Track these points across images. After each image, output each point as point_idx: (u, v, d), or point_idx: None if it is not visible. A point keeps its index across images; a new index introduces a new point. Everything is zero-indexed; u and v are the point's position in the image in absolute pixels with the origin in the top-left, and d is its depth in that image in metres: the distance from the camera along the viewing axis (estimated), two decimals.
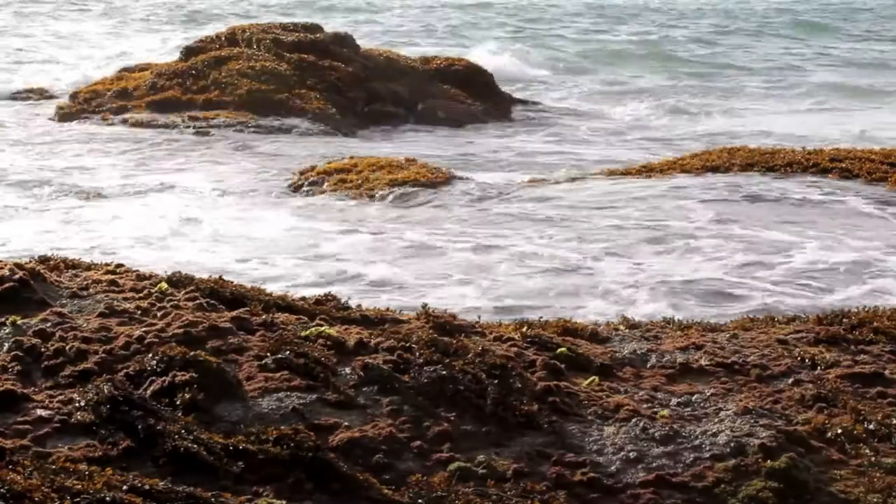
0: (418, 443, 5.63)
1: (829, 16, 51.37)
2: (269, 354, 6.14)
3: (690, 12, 52.65)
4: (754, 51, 39.82)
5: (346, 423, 5.67)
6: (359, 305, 7.26)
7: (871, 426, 6.09)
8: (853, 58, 38.74)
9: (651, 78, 32.77)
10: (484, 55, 31.22)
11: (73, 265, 7.37)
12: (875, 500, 5.47)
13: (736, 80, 32.91)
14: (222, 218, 14.22)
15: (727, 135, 22.92)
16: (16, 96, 25.73)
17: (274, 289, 7.94)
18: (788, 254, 12.18)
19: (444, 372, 6.06)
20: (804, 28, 46.63)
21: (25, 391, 5.71)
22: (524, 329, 7.16)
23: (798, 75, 34.13)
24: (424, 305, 7.26)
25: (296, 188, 16.07)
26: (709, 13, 52.33)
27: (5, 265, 6.88)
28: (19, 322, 6.36)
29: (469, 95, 23.92)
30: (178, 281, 7.06)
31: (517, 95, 26.33)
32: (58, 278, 7.01)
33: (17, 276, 6.72)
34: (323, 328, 6.58)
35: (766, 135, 23.05)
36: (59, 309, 6.57)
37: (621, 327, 7.59)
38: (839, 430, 6.01)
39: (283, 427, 5.47)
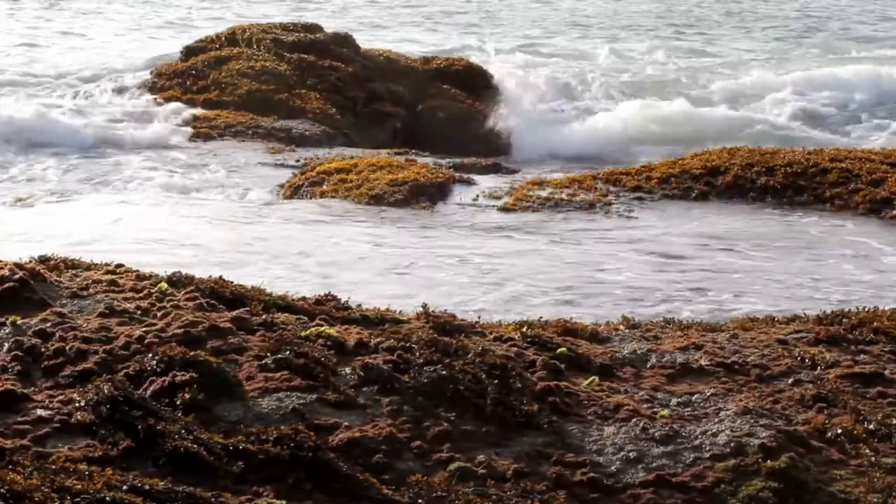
0: (418, 443, 5.63)
1: None
2: (269, 354, 6.14)
3: None
4: None
5: (346, 423, 5.67)
6: (359, 305, 7.26)
7: (871, 426, 6.09)
8: None
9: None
10: None
11: (73, 265, 7.37)
12: (875, 500, 5.47)
13: None
14: (219, 219, 14.19)
15: None
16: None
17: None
18: None
19: (444, 372, 6.06)
20: None
21: (25, 391, 5.71)
22: (524, 329, 7.16)
23: None
24: (424, 305, 7.25)
25: (295, 189, 16.04)
26: None
27: (5, 265, 6.88)
28: (19, 322, 6.36)
29: (469, 96, 23.89)
30: (178, 281, 7.06)
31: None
32: (58, 278, 7.01)
33: (17, 276, 6.72)
34: (323, 328, 6.58)
35: None
36: (59, 309, 6.57)
37: (621, 327, 7.60)
38: (839, 430, 6.01)
39: (283, 427, 5.47)
